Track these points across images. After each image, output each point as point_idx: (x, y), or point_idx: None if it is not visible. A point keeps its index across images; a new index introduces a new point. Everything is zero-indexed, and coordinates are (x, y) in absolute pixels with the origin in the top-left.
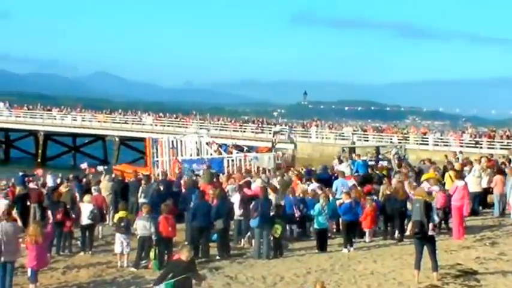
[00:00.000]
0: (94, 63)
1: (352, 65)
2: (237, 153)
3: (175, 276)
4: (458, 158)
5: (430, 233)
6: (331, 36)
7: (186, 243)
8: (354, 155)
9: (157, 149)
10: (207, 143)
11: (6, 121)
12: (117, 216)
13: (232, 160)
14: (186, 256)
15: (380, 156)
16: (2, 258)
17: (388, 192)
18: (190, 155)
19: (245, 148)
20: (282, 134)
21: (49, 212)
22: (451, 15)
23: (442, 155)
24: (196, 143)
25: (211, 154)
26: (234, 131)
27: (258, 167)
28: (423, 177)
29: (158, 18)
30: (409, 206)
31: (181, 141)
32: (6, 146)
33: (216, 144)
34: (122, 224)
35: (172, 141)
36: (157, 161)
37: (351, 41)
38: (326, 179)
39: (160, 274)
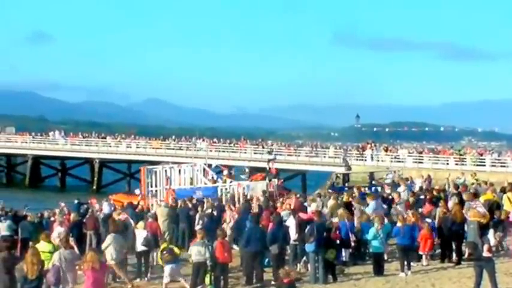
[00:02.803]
0: (146, 90)
1: (403, 87)
2: (231, 182)
3: None
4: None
5: (485, 254)
6: (374, 57)
7: (241, 268)
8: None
9: (152, 179)
10: (204, 170)
11: (62, 149)
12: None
13: (226, 189)
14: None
15: (374, 182)
16: (61, 286)
17: (443, 215)
18: (184, 184)
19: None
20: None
21: None
22: (496, 35)
23: (500, 176)
24: (192, 171)
25: (205, 183)
26: (288, 155)
27: (251, 196)
28: (482, 199)
29: (209, 44)
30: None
31: (178, 170)
32: (62, 173)
33: (211, 173)
34: (165, 253)
35: (168, 171)
36: (152, 190)
37: (397, 61)
38: None
39: None
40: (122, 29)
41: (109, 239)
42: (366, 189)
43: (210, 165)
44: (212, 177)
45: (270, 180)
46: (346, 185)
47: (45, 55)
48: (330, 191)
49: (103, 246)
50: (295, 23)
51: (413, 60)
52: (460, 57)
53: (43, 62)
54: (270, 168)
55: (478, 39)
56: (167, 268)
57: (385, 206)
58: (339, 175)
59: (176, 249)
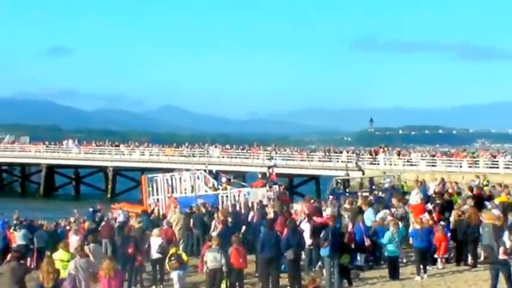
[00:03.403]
0: (159, 97)
1: (417, 90)
2: (231, 189)
3: None
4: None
5: (501, 257)
6: (390, 60)
7: (256, 274)
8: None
9: (153, 187)
10: (205, 177)
11: (76, 158)
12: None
13: (227, 196)
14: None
15: (373, 187)
16: None
17: (458, 218)
18: (185, 192)
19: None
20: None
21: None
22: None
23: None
24: (193, 179)
25: (206, 191)
26: (301, 160)
27: (252, 202)
28: (496, 201)
29: (222, 50)
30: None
31: (179, 178)
32: (76, 182)
33: (212, 180)
34: (173, 259)
35: (168, 179)
36: (153, 199)
37: (413, 63)
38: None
39: None
40: (137, 38)
41: (90, 249)
42: (367, 194)
43: (210, 172)
44: (213, 185)
45: (270, 187)
46: (347, 190)
47: (63, 65)
48: (330, 196)
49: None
50: (309, 28)
51: (430, 62)
52: (477, 57)
53: (61, 71)
54: (270, 174)
55: (496, 38)
56: (175, 275)
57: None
58: (339, 181)
59: (184, 256)
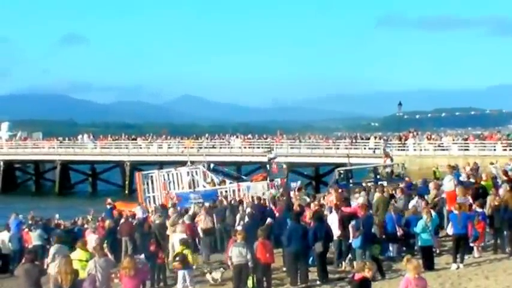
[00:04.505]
0: (178, 87)
1: (447, 69)
2: (231, 183)
3: None
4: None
5: None
6: (420, 38)
7: (284, 268)
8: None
9: (148, 184)
10: (203, 172)
11: (92, 153)
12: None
13: (226, 191)
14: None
15: (378, 177)
16: None
17: (496, 203)
18: (183, 188)
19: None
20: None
21: None
22: None
23: None
24: (188, 174)
25: (204, 186)
26: (326, 148)
27: (252, 196)
28: None
29: (240, 38)
30: None
31: (175, 174)
32: (92, 178)
33: (211, 175)
34: (177, 259)
35: (165, 175)
36: (149, 196)
37: (443, 42)
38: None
39: None
40: (152, 28)
41: (53, 250)
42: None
43: (209, 165)
44: (212, 180)
45: (271, 180)
46: (351, 181)
47: (76, 56)
48: (335, 187)
49: (49, 259)
50: (333, 9)
51: (458, 39)
52: (508, 32)
53: (74, 63)
54: (272, 166)
55: None
56: (180, 274)
57: None
58: (341, 172)
59: (190, 257)
